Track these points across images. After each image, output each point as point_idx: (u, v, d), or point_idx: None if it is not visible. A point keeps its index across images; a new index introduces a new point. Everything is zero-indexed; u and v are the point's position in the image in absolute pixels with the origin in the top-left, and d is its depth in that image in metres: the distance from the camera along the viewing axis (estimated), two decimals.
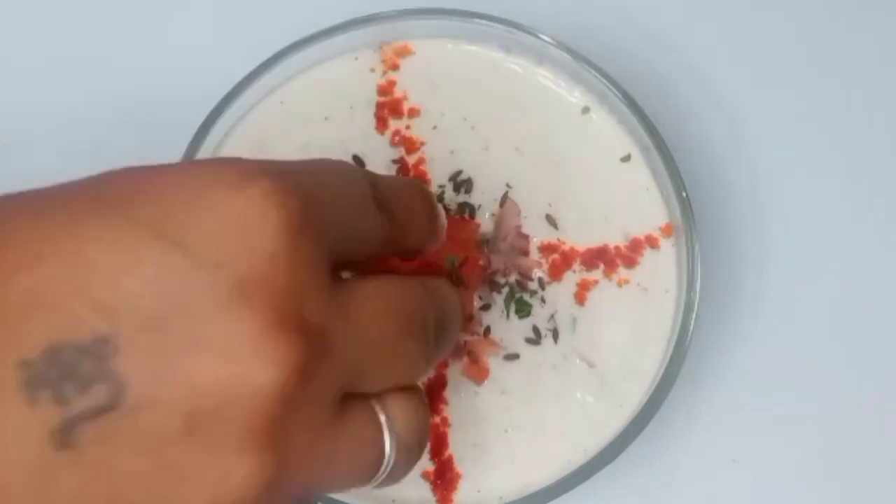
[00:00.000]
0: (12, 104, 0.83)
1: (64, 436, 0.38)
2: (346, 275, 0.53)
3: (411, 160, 0.74)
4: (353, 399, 0.47)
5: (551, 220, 0.73)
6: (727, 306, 0.78)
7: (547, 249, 0.72)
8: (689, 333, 0.68)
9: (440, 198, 0.73)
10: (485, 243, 0.72)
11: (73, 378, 0.38)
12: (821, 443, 0.76)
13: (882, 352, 0.79)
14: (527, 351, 0.70)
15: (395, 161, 0.74)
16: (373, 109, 0.75)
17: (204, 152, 0.72)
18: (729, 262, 0.79)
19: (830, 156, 0.83)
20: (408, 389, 0.50)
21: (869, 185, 0.83)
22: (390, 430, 0.49)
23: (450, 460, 0.68)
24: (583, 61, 0.74)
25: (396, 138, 0.75)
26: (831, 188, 0.82)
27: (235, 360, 0.40)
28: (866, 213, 0.82)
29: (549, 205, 0.73)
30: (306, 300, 0.42)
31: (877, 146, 0.83)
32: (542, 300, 0.71)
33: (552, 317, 0.71)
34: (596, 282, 0.72)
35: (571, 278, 0.72)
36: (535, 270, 0.72)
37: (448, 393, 0.69)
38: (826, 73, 0.85)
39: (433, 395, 0.69)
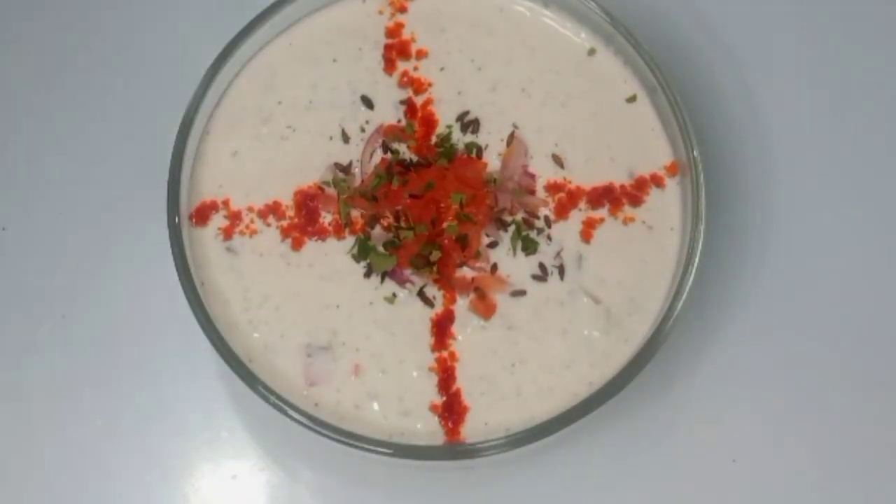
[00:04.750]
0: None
1: None
2: None
3: (419, 101, 0.75)
4: None
5: (557, 160, 0.74)
6: (731, 244, 0.79)
7: (553, 188, 0.73)
8: (693, 270, 0.69)
9: (447, 138, 0.74)
10: (492, 182, 0.73)
11: None
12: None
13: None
14: (533, 287, 0.71)
15: (402, 102, 0.75)
16: (381, 51, 0.76)
17: (214, 92, 0.73)
18: (734, 201, 0.80)
19: (834, 96, 0.83)
20: None
21: (872, 123, 0.83)
22: None
23: (458, 394, 0.69)
24: (589, 3, 0.75)
25: (404, 79, 0.75)
26: (836, 128, 0.82)
27: None
28: (872, 151, 0.83)
29: (556, 144, 0.74)
30: None
31: (879, 81, 0.84)
32: (549, 238, 0.72)
33: (558, 254, 0.72)
34: (601, 220, 0.73)
35: (577, 216, 0.73)
36: (542, 209, 0.73)
37: (456, 328, 0.70)
38: (830, 15, 0.85)
39: (441, 331, 0.70)
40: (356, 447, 0.66)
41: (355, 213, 0.72)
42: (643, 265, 0.72)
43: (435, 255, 0.70)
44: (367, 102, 0.75)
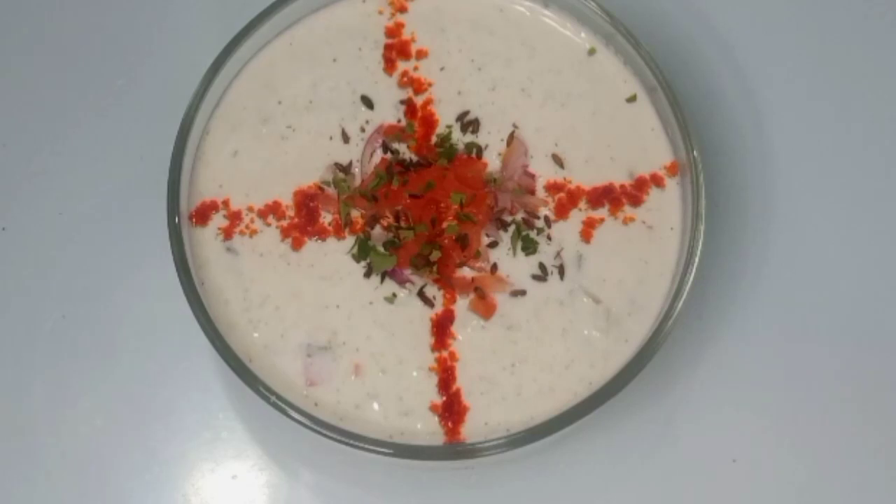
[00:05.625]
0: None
1: None
2: None
3: (419, 101, 0.75)
4: None
5: (557, 160, 0.74)
6: (731, 244, 0.79)
7: (553, 188, 0.73)
8: (693, 270, 0.69)
9: (447, 138, 0.74)
10: (492, 182, 0.73)
11: None
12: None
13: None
14: (533, 287, 0.71)
15: (402, 102, 0.75)
16: (381, 51, 0.76)
17: (214, 92, 0.73)
18: (734, 201, 0.80)
19: (834, 96, 0.84)
20: None
21: (873, 123, 0.83)
22: None
23: (458, 394, 0.69)
24: (589, 3, 0.75)
25: (404, 79, 0.75)
26: (836, 128, 0.83)
27: None
28: (873, 151, 0.83)
29: (556, 144, 0.74)
30: None
31: (880, 80, 0.84)
32: (549, 238, 0.72)
33: (558, 254, 0.72)
34: (601, 220, 0.73)
35: (577, 216, 0.73)
36: (542, 208, 0.73)
37: (456, 328, 0.70)
38: (830, 15, 0.85)
39: (441, 331, 0.70)
40: (356, 447, 0.66)
41: (355, 213, 0.72)
42: (643, 265, 0.72)
43: (435, 255, 0.70)
44: (367, 102, 0.75)
